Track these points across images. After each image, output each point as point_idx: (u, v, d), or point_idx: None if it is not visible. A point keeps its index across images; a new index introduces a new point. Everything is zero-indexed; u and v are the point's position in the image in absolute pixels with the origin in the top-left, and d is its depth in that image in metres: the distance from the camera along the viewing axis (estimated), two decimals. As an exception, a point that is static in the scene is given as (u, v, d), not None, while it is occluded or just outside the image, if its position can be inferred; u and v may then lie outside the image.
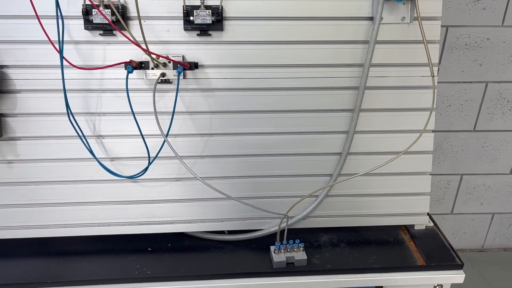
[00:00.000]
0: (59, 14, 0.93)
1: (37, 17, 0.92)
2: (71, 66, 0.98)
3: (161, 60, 0.99)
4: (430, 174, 1.16)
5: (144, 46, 0.93)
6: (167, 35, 1.03)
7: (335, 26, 1.05)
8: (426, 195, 1.18)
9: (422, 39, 1.02)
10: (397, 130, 1.12)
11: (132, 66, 0.93)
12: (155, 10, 1.01)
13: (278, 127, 1.10)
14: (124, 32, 0.97)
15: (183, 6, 0.99)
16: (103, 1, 0.97)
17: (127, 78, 0.96)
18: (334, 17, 1.04)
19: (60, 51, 0.91)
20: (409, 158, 1.13)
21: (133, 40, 0.89)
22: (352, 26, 1.05)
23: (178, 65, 0.95)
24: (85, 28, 1.00)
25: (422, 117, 1.11)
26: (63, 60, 0.94)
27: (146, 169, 1.06)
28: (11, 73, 1.02)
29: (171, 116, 1.04)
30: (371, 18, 1.05)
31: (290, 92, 1.08)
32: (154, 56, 0.97)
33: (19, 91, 1.03)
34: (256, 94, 1.08)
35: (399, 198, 1.18)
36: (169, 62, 1.00)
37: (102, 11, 0.96)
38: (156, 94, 1.04)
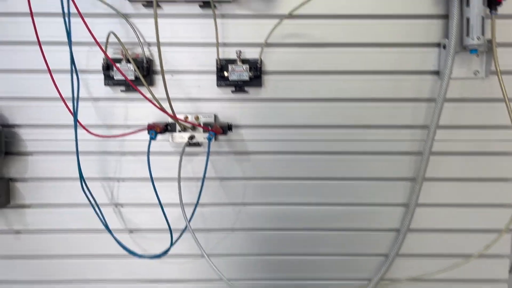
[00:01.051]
0: (74, 70, 0.81)
1: (50, 72, 0.80)
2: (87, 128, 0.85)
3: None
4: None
5: (170, 112, 0.79)
6: (198, 92, 0.90)
7: (393, 81, 0.89)
8: None
9: (500, 96, 0.85)
10: (470, 203, 0.93)
11: (155, 131, 0.79)
12: (184, 63, 0.89)
13: (324, 197, 0.93)
14: (147, 90, 0.84)
15: (216, 60, 0.86)
16: (125, 55, 0.86)
17: (149, 146, 0.82)
18: (393, 71, 0.89)
19: (74, 114, 0.79)
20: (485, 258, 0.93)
21: (157, 105, 0.76)
22: (414, 81, 0.89)
23: (209, 131, 0.80)
24: (105, 85, 0.88)
25: (501, 188, 0.92)
26: (77, 123, 0.82)
27: (167, 251, 0.91)
28: (23, 133, 0.91)
29: (200, 182, 0.88)
30: (437, 72, 0.88)
31: (338, 157, 0.92)
32: (181, 121, 0.84)
33: (30, 153, 0.92)
34: (297, 159, 0.92)
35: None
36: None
37: (123, 67, 0.85)
38: (183, 157, 0.90)
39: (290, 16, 0.85)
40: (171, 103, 0.77)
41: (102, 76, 0.88)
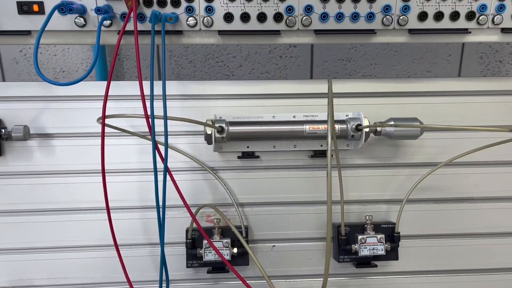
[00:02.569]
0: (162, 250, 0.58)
1: (117, 250, 0.57)
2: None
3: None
4: None
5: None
6: (307, 266, 0.67)
7: None
8: None
9: None
10: None
11: None
12: (290, 228, 0.67)
13: None
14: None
15: (337, 227, 0.64)
16: (218, 224, 0.63)
17: None
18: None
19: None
20: None
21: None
22: None
23: None
24: (187, 266, 0.64)
25: None
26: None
27: None
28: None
29: None
30: None
31: None
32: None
33: None
34: None
35: None
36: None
37: (217, 243, 0.62)
38: None
39: (446, 164, 0.65)
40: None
41: (180, 250, 0.65)
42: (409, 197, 0.65)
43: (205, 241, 0.62)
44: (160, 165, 0.53)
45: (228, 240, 0.62)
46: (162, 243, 0.55)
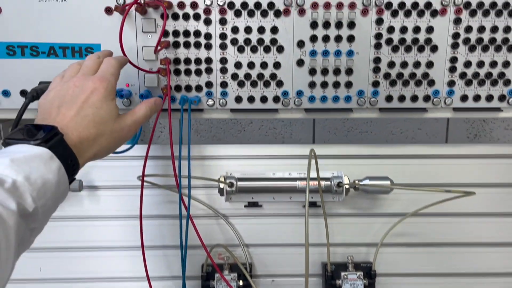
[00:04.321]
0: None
1: (148, 279, 0.73)
2: None
3: None
4: None
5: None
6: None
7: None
8: None
9: None
10: None
11: None
12: (286, 266, 0.81)
13: None
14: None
15: (325, 265, 0.79)
16: (227, 261, 0.79)
17: None
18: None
19: None
20: None
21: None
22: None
23: None
24: (203, 296, 0.79)
25: None
26: None
27: None
28: None
29: None
30: None
31: None
32: None
33: None
34: None
35: None
36: None
37: (226, 277, 0.77)
38: None
39: (413, 214, 0.79)
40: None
41: (197, 283, 0.80)
42: (384, 242, 0.80)
43: (217, 275, 0.77)
44: (184, 212, 0.69)
45: (235, 274, 0.77)
46: (183, 276, 0.71)
